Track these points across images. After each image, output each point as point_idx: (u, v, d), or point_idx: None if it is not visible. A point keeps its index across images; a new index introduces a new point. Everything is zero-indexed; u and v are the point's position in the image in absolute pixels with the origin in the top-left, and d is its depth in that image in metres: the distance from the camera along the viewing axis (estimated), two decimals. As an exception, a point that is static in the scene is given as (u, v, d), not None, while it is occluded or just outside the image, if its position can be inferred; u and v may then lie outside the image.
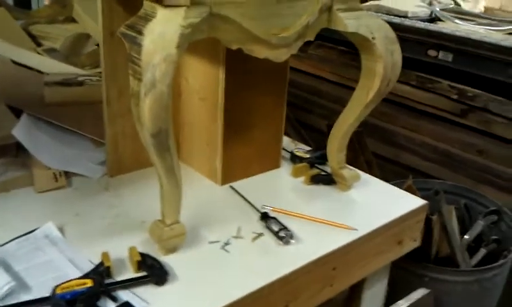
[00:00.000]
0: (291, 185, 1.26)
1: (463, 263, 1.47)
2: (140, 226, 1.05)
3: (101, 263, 0.89)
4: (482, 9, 3.27)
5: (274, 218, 1.06)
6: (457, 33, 2.27)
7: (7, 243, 0.96)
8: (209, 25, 0.89)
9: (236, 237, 1.03)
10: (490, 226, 1.54)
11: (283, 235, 1.01)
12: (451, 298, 1.47)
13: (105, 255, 0.91)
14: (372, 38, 1.07)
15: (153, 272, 0.89)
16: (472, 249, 1.60)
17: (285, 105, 1.27)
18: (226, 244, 1.01)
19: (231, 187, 1.21)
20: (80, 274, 0.88)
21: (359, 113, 1.15)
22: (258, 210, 1.11)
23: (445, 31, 2.23)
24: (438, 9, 2.89)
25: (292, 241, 1.02)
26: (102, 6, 1.09)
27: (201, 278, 0.91)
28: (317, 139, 2.23)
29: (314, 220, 1.10)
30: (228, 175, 1.22)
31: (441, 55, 2.69)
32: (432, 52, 2.73)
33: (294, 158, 1.33)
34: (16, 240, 0.97)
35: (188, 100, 1.27)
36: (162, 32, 0.82)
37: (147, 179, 1.23)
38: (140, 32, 0.83)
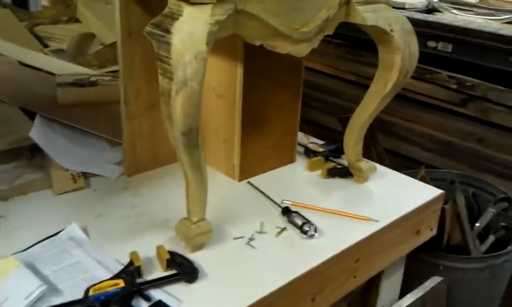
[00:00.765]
0: (308, 178, 1.26)
1: (474, 251, 1.49)
2: (165, 225, 1.05)
3: (131, 263, 0.89)
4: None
5: (296, 212, 1.07)
6: (456, 23, 2.29)
7: (31, 246, 0.95)
8: (234, 22, 0.89)
9: (260, 232, 1.04)
10: (500, 213, 1.55)
11: (307, 229, 1.02)
12: (463, 285, 1.48)
13: (134, 255, 0.91)
14: (390, 30, 1.08)
15: (184, 269, 0.89)
16: (480, 236, 1.62)
17: (301, 99, 1.28)
18: (251, 239, 1.01)
19: (249, 182, 1.22)
20: (109, 275, 0.88)
21: (376, 105, 1.16)
22: (278, 205, 1.12)
23: (444, 21, 2.25)
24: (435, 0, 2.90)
25: (316, 234, 1.02)
26: (119, 6, 1.09)
27: (231, 274, 0.92)
28: (319, 133, 2.25)
29: (335, 213, 1.11)
30: (246, 171, 1.23)
31: (440, 46, 2.71)
32: (431, 43, 2.74)
33: (309, 152, 1.34)
34: (41, 243, 0.96)
35: (203, 97, 1.26)
36: (190, 30, 0.82)
37: (164, 177, 1.23)
38: (168, 31, 0.83)
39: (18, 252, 0.92)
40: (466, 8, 2.88)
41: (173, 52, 0.81)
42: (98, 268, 0.91)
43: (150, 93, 1.19)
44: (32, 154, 1.23)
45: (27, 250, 0.94)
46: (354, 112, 1.21)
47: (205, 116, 1.27)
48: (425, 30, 2.64)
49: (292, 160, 1.33)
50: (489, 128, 2.80)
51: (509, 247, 1.52)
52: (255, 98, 1.17)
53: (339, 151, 1.34)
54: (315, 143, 1.38)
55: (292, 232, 1.04)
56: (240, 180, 1.22)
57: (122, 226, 1.04)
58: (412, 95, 3.07)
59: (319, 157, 1.29)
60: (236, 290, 0.88)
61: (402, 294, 1.34)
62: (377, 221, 1.08)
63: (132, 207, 1.11)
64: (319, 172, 1.28)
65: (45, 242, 0.97)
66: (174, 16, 0.85)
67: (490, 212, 1.54)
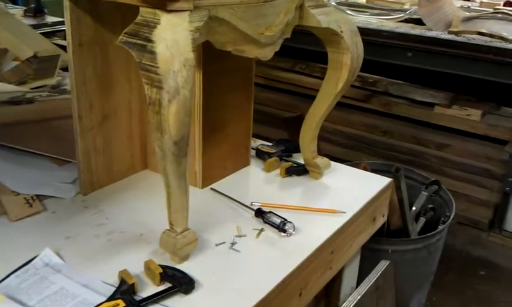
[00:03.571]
0: (267, 179, 1.29)
1: (413, 233, 1.61)
2: (140, 240, 1.02)
3: (123, 282, 0.86)
4: (364, 0, 3.53)
5: (270, 212, 1.09)
6: (358, 24, 2.46)
7: (5, 278, 0.88)
8: (207, 29, 0.90)
9: (239, 236, 1.04)
10: (431, 195, 1.69)
11: (287, 227, 1.04)
12: (405, 265, 1.60)
13: (125, 273, 0.88)
14: (341, 31, 1.14)
15: (179, 281, 0.88)
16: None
17: (253, 102, 1.30)
18: (233, 243, 1.02)
19: (212, 188, 1.22)
20: (100, 297, 0.85)
21: (329, 103, 1.22)
22: (249, 207, 1.13)
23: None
24: (333, 3, 3.08)
25: (293, 232, 1.05)
26: (70, 17, 1.04)
27: (224, 280, 0.92)
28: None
29: (303, 209, 1.14)
30: (207, 178, 1.23)
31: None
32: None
33: (262, 154, 1.36)
34: (15, 274, 0.89)
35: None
36: (174, 38, 0.81)
37: (122, 192, 1.20)
38: (148, 40, 0.82)
39: (-8, 286, 0.85)
40: (361, 10, 3.09)
41: (159, 61, 0.80)
42: (86, 292, 0.86)
43: (102, 105, 1.15)
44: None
45: (2, 282, 0.87)
46: (308, 111, 1.25)
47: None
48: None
49: (247, 163, 1.34)
50: (391, 120, 3.03)
51: (440, 227, 1.66)
52: (213, 103, 1.17)
53: (290, 151, 1.38)
54: (265, 145, 1.41)
55: (270, 232, 1.06)
56: (203, 187, 1.22)
57: (96, 246, 1.00)
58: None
59: (275, 158, 1.33)
60: (235, 294, 0.88)
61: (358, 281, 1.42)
62: (344, 213, 1.14)
63: (99, 226, 1.06)
64: (276, 172, 1.31)
65: (18, 272, 0.90)
66: (150, 25, 0.83)
67: (423, 196, 1.67)
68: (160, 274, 0.88)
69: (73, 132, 1.13)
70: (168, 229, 0.95)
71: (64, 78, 1.62)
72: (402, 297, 1.66)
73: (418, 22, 2.83)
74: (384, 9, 3.12)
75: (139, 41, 0.83)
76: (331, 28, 1.12)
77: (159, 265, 0.90)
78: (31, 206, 1.08)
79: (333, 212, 1.14)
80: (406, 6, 3.23)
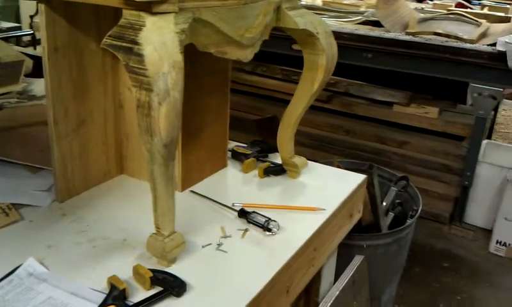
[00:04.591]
0: (246, 180, 1.30)
1: (384, 228, 1.65)
2: (124, 245, 1.01)
3: (113, 288, 0.85)
4: (321, 3, 3.59)
5: (254, 212, 1.09)
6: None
7: (-13, 290, 0.85)
8: (191, 31, 0.90)
9: (225, 237, 1.04)
10: (400, 191, 1.74)
11: (271, 226, 1.05)
12: (377, 259, 1.64)
13: (115, 278, 0.86)
14: (316, 33, 1.16)
15: (171, 284, 0.87)
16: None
17: (229, 104, 1.31)
18: (220, 244, 1.02)
19: (192, 191, 1.21)
20: (91, 304, 0.83)
21: (306, 103, 1.24)
22: (231, 208, 1.13)
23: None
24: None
25: (278, 231, 1.06)
26: (45, 21, 1.01)
27: (214, 281, 0.92)
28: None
29: (284, 208, 1.16)
30: (187, 180, 1.22)
31: (304, 48, 2.91)
32: (296, 46, 2.94)
33: (238, 155, 1.37)
34: (-2, 285, 0.87)
35: (132, 111, 1.23)
36: (162, 40, 0.81)
37: (99, 198, 1.18)
38: (135, 42, 0.81)
39: (-23, 299, 0.82)
40: (319, 12, 3.14)
41: (148, 63, 0.79)
42: (75, 300, 0.85)
43: (78, 110, 1.13)
44: None
45: (-15, 295, 0.84)
46: (285, 111, 1.27)
47: (134, 130, 1.24)
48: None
49: (224, 165, 1.35)
50: (354, 119, 3.10)
51: (409, 221, 1.71)
52: (191, 105, 1.17)
53: (265, 151, 1.39)
54: (240, 146, 1.42)
55: (254, 232, 1.07)
56: (183, 189, 1.21)
57: (79, 254, 0.98)
58: (281, 96, 3.26)
59: (252, 159, 1.33)
60: (227, 295, 0.88)
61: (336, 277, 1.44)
62: (325, 210, 1.16)
63: (79, 233, 1.04)
64: (253, 173, 1.32)
65: (1, 283, 0.87)
66: (135, 27, 0.83)
67: (393, 191, 1.72)
68: (150, 278, 0.88)
69: (47, 138, 1.10)
70: (154, 233, 0.94)
71: (29, 85, 1.58)
72: (375, 291, 1.70)
73: (376, 24, 2.91)
74: (341, 12, 3.19)
75: (124, 44, 0.82)
76: (308, 29, 1.14)
77: (150, 269, 0.89)
78: (7, 215, 1.05)
79: (314, 209, 1.15)
80: (362, 9, 3.32)
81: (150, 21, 0.82)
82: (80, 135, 1.15)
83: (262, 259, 0.99)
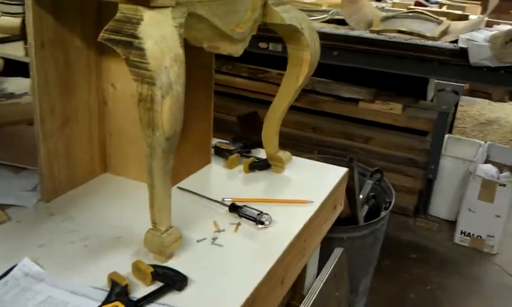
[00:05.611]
0: (232, 175, 1.30)
1: (361, 220, 1.69)
2: (118, 242, 1.00)
3: (115, 284, 0.84)
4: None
5: (245, 206, 1.10)
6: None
7: (-17, 292, 0.83)
8: (186, 25, 0.90)
9: (218, 231, 1.05)
10: (375, 183, 1.79)
11: (264, 219, 1.07)
12: (355, 250, 1.68)
13: (115, 275, 0.86)
14: (301, 28, 1.18)
15: (172, 279, 0.87)
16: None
17: (213, 99, 1.31)
18: (215, 238, 1.02)
19: (179, 187, 1.21)
20: (93, 303, 0.82)
21: (291, 98, 1.26)
22: (221, 203, 1.14)
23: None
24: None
25: (269, 223, 1.08)
26: (32, 17, 0.99)
27: (214, 275, 0.92)
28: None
29: (274, 202, 1.17)
30: (174, 177, 1.20)
31: (271, 46, 2.94)
32: (263, 44, 2.97)
33: (221, 152, 1.37)
34: (-7, 287, 0.84)
35: (116, 108, 1.22)
36: (162, 34, 0.81)
37: (86, 196, 1.16)
38: (134, 36, 0.81)
39: (-26, 301, 0.80)
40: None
41: (149, 57, 0.79)
42: (76, 298, 0.84)
43: (64, 107, 1.11)
44: None
45: (-18, 297, 0.82)
46: (270, 107, 1.29)
47: (118, 127, 1.23)
48: (258, 33, 2.86)
49: (208, 161, 1.35)
50: (320, 117, 3.15)
51: (383, 213, 1.76)
52: (180, 102, 1.17)
53: (248, 147, 1.41)
54: (222, 142, 1.42)
55: (246, 225, 1.08)
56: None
57: (73, 252, 0.96)
58: (248, 94, 3.28)
59: (236, 154, 1.34)
60: (228, 287, 0.89)
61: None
62: (313, 202, 1.18)
63: (71, 232, 1.02)
64: (238, 168, 1.33)
65: (-3, 285, 0.85)
66: (133, 21, 0.83)
67: (368, 184, 1.76)
68: (151, 273, 0.87)
69: (30, 137, 1.07)
70: (151, 229, 0.94)
71: (2, 83, 1.53)
72: (352, 283, 1.74)
73: (341, 22, 2.96)
74: (304, 10, 3.23)
75: (123, 38, 0.81)
76: (293, 25, 1.16)
77: (150, 265, 0.89)
78: (-7, 216, 1.02)
79: (303, 202, 1.17)
80: (324, 7, 3.37)
81: (147, 15, 0.82)
82: (66, 134, 1.13)
83: (257, 252, 1.00)
